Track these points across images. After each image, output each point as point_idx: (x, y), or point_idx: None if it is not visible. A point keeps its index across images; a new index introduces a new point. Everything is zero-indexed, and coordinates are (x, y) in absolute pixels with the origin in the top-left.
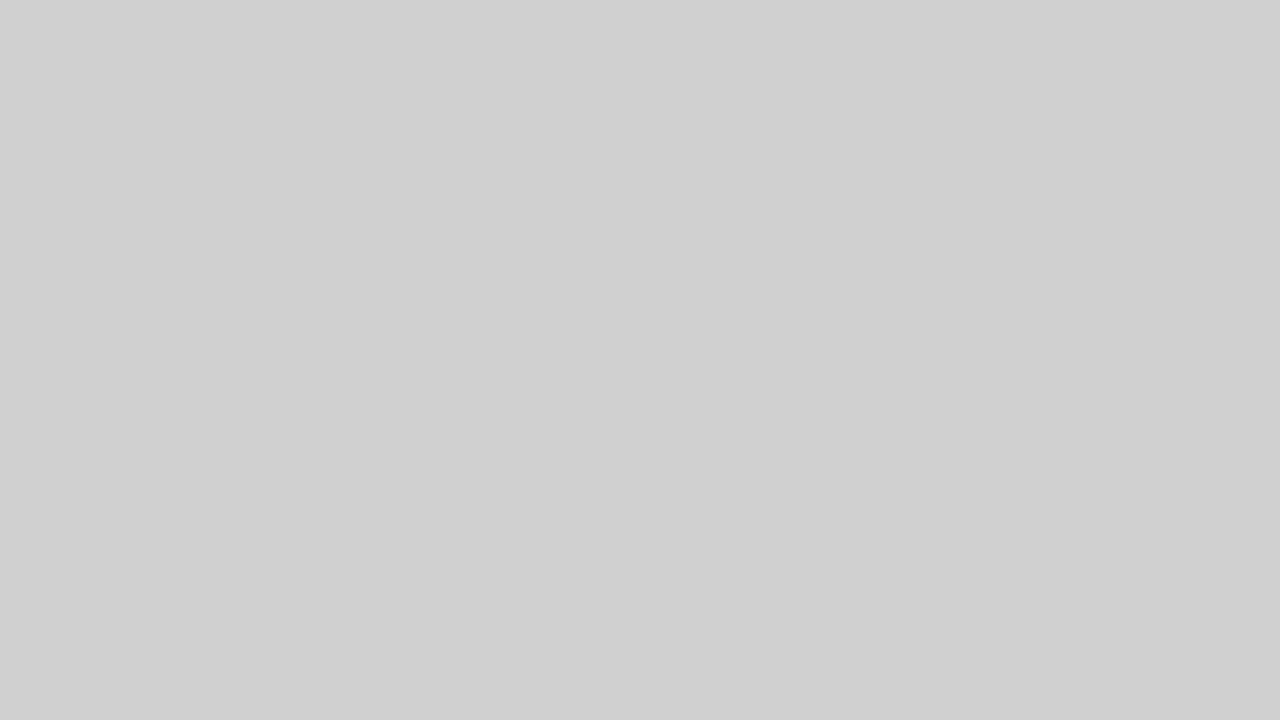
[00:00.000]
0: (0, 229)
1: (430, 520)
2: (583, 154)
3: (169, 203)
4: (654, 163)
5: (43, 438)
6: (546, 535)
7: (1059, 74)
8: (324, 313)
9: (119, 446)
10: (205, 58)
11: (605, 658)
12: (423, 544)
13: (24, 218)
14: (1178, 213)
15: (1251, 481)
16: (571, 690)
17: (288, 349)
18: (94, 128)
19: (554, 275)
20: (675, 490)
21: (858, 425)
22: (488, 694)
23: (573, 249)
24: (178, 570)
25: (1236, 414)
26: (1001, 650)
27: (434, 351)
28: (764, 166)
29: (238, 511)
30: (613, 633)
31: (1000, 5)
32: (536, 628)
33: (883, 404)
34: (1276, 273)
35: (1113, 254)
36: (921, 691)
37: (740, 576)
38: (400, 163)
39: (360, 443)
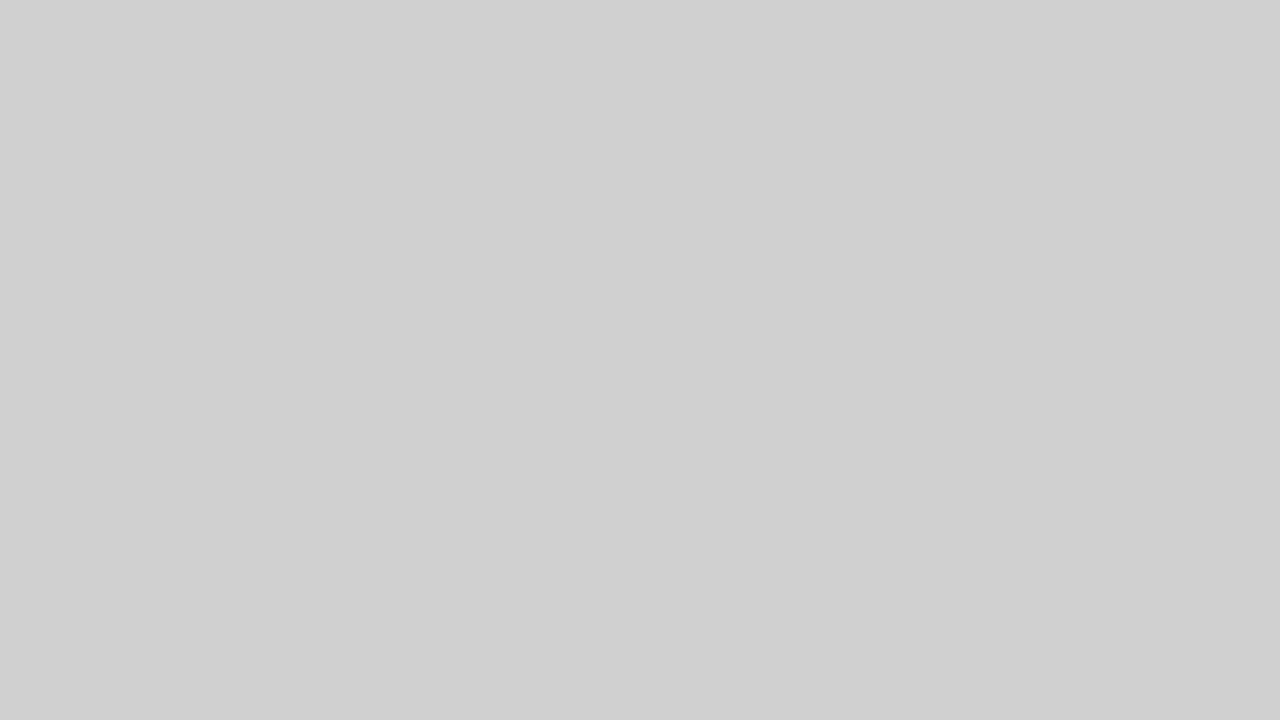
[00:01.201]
0: (0, 229)
1: (430, 522)
2: (582, 154)
3: (169, 203)
4: (654, 163)
5: (43, 438)
6: (546, 536)
7: (1059, 74)
8: (324, 314)
9: (119, 447)
10: (205, 58)
11: (605, 658)
12: (423, 545)
13: (24, 218)
14: (1178, 213)
15: (1251, 482)
16: (572, 690)
17: (288, 350)
18: (94, 128)
19: (554, 276)
20: (675, 492)
21: (857, 427)
22: (488, 694)
23: (572, 250)
24: (178, 570)
25: (1236, 414)
26: (1002, 650)
27: (434, 353)
28: (764, 166)
29: (238, 512)
30: (613, 633)
31: (1000, 5)
32: (536, 628)
33: (882, 406)
34: (1276, 273)
35: (1113, 254)
36: (922, 691)
37: (740, 577)
38: (400, 163)
39: (360, 444)
